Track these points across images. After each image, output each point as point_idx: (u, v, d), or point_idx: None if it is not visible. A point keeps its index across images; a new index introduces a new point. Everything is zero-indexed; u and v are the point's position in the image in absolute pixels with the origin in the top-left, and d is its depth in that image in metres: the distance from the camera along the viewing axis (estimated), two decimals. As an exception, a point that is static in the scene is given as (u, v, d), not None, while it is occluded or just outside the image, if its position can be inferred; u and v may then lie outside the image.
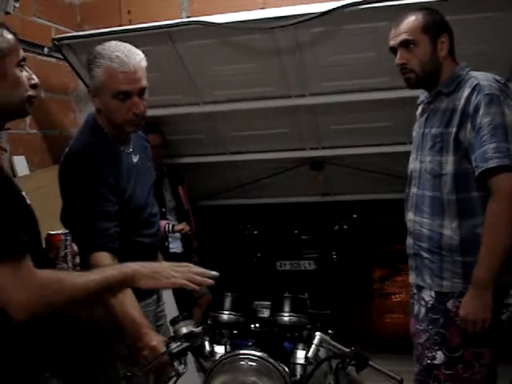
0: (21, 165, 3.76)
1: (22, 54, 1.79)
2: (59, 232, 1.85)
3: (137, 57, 2.35)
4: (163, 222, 4.16)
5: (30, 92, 1.80)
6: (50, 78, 4.21)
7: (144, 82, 2.37)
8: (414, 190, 2.61)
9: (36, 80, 1.82)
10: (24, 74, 1.78)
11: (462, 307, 2.39)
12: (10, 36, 1.74)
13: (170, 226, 4.32)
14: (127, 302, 2.21)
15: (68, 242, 1.85)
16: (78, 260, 1.94)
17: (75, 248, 1.92)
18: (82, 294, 1.67)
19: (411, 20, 2.49)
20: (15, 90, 1.75)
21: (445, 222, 2.45)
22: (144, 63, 2.37)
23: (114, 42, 2.39)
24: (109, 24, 4.07)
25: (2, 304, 1.54)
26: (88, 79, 2.50)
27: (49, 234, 1.84)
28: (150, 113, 2.52)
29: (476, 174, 2.34)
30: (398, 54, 2.52)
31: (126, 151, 2.52)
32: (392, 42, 2.54)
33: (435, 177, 2.47)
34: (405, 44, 2.49)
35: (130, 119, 2.38)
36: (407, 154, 2.74)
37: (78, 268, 1.93)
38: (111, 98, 2.34)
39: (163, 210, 4.41)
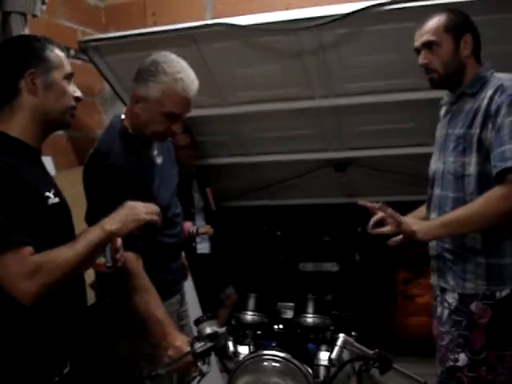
0: (47, 165, 3.73)
1: (69, 69, 1.97)
2: None
3: (196, 82, 2.40)
4: (187, 224, 4.12)
5: (73, 103, 1.97)
6: (75, 80, 4.21)
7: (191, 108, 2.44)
8: (436, 191, 2.60)
9: (79, 94, 1.99)
10: (70, 87, 1.96)
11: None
12: (58, 52, 1.94)
13: (195, 229, 4.26)
14: (152, 301, 2.24)
15: None
16: (119, 256, 2.08)
17: (118, 245, 2.07)
18: (74, 266, 1.81)
19: (434, 20, 2.50)
20: (60, 99, 1.93)
21: (468, 224, 2.44)
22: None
23: (174, 58, 2.41)
24: (134, 26, 4.09)
25: (10, 293, 1.72)
26: (138, 85, 2.42)
27: None
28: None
29: (494, 173, 2.31)
30: (421, 54, 2.53)
31: (151, 153, 2.55)
32: (416, 43, 2.55)
33: (458, 178, 2.46)
34: (427, 45, 2.50)
35: (165, 135, 2.48)
36: (432, 156, 2.72)
37: (119, 264, 2.09)
38: (159, 113, 2.37)
39: (192, 210, 4.42)
